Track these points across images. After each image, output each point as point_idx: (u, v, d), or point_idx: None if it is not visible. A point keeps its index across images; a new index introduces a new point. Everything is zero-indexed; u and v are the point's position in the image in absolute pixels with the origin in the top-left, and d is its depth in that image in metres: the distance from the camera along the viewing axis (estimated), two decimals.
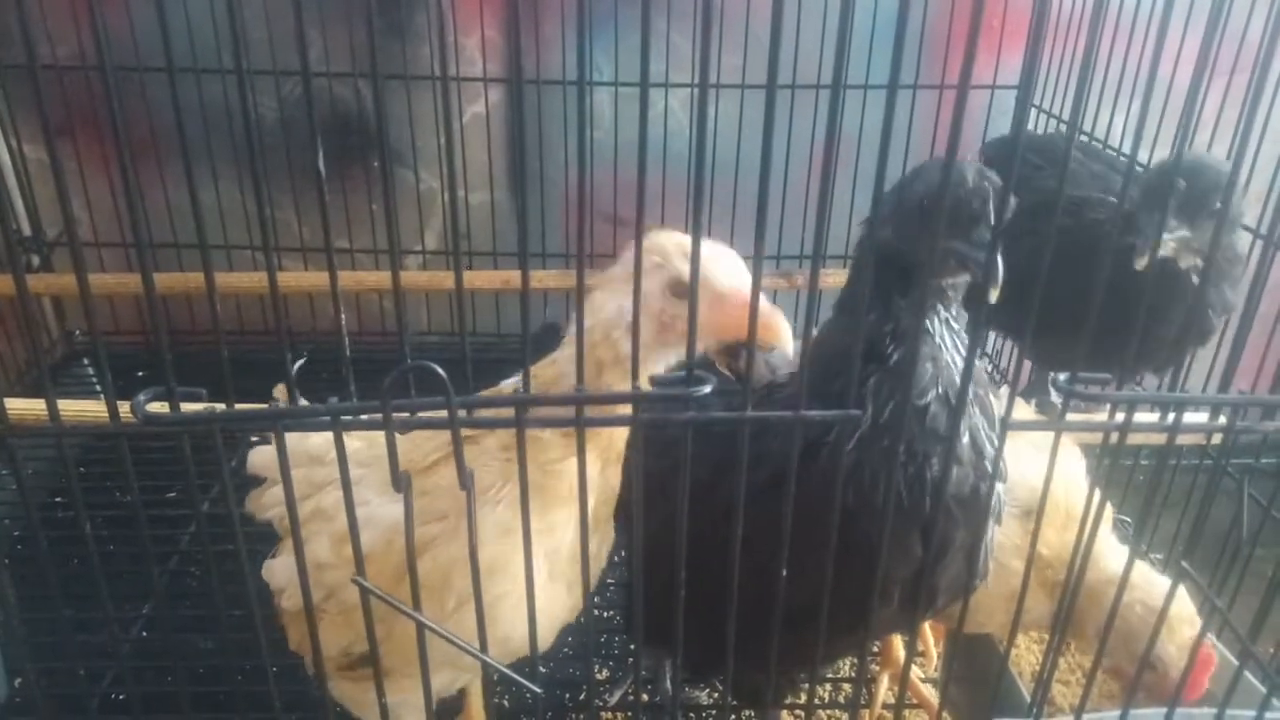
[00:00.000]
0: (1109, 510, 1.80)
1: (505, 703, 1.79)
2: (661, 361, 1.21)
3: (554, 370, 1.24)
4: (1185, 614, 1.57)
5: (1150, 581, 1.60)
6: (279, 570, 1.44)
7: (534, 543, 1.07)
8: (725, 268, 1.15)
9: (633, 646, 2.06)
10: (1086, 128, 2.43)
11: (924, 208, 1.21)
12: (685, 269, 1.14)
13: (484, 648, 1.09)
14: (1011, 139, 2.53)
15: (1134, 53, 2.19)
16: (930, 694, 1.93)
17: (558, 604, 1.33)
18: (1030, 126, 2.66)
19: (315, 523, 1.36)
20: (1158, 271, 1.75)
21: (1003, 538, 1.56)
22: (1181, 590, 1.47)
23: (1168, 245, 1.74)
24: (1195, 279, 1.82)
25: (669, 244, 1.17)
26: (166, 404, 0.95)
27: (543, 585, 1.13)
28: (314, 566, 1.30)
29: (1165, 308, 1.79)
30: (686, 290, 1.14)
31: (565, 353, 1.25)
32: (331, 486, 1.37)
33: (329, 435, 1.44)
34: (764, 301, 1.13)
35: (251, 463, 1.60)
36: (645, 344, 1.17)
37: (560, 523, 1.25)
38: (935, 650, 2.10)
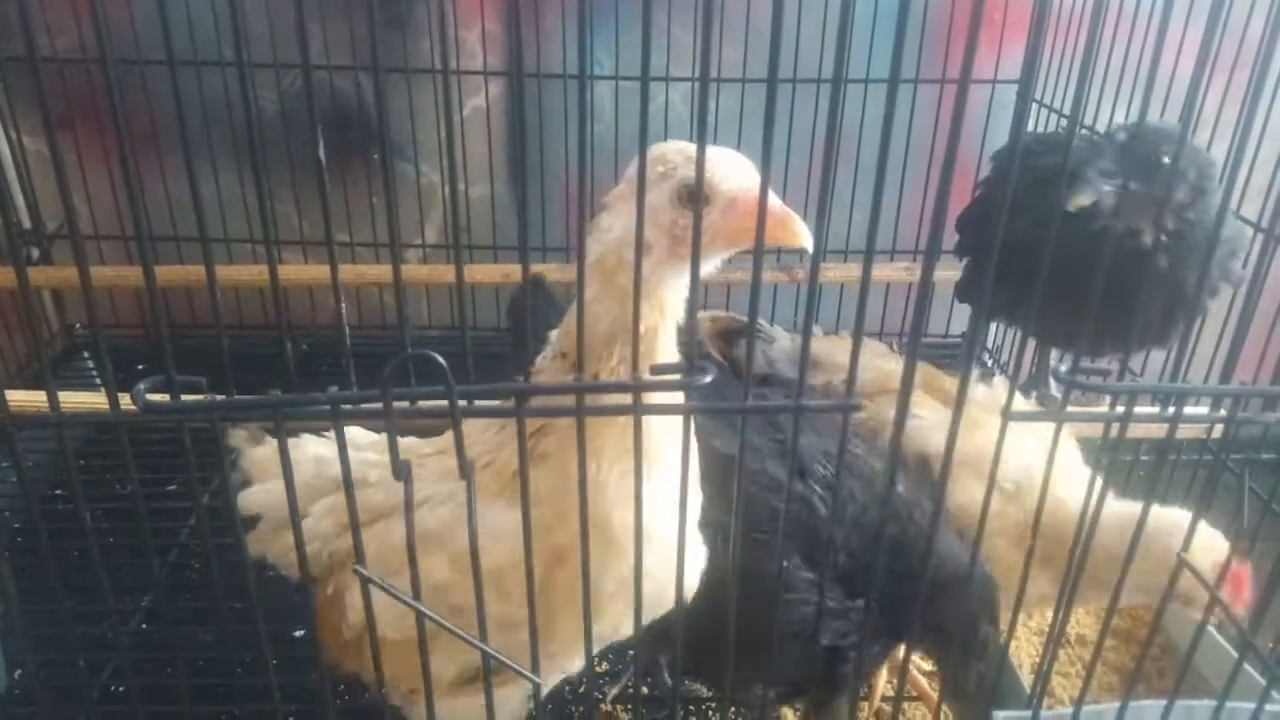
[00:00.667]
0: (1076, 447, 1.79)
1: None
2: (678, 280, 1.16)
3: (587, 319, 1.14)
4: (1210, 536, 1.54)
5: (1162, 515, 1.56)
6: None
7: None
8: (734, 170, 1.10)
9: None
10: (1087, 123, 2.43)
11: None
12: (693, 175, 1.10)
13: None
14: (1013, 134, 2.53)
15: (1135, 47, 2.18)
16: (929, 686, 1.93)
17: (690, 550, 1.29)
18: (1031, 121, 2.65)
19: (423, 545, 1.23)
20: (1128, 247, 1.79)
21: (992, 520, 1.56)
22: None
23: (1103, 192, 1.73)
24: (1164, 262, 1.82)
25: (672, 152, 1.12)
26: (166, 394, 0.95)
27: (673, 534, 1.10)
28: (431, 589, 1.20)
29: (1131, 282, 1.77)
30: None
31: (591, 291, 1.17)
32: (428, 507, 1.29)
33: (369, 459, 1.45)
34: (776, 202, 1.08)
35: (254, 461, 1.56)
36: (659, 261, 1.13)
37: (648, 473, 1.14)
38: None
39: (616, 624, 1.24)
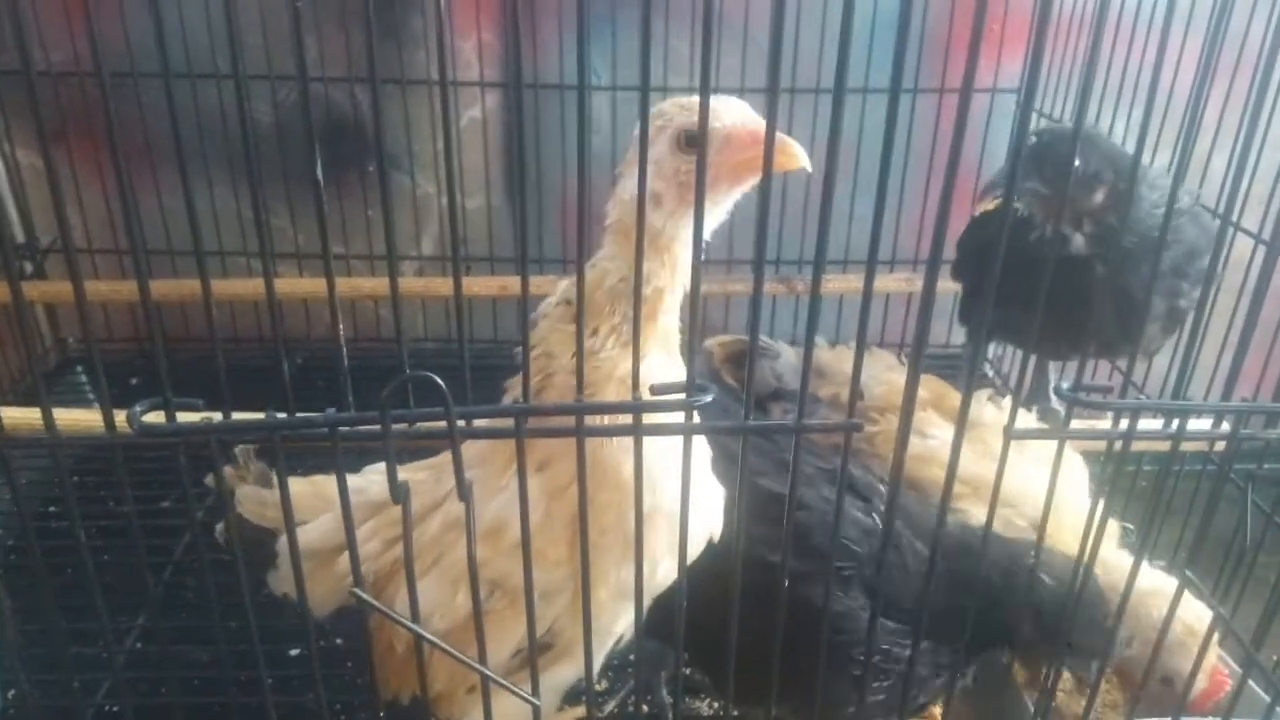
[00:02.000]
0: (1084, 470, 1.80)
1: None
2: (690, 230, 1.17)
3: (596, 274, 1.23)
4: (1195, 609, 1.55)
5: (1189, 601, 1.57)
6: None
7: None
8: (726, 109, 1.14)
9: (632, 657, 2.05)
10: None
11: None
12: (689, 120, 1.14)
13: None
14: (1015, 144, 2.52)
15: (1135, 56, 2.18)
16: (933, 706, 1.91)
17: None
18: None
19: (450, 534, 1.31)
20: (1063, 254, 1.82)
21: None
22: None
23: (1021, 198, 1.78)
24: (1101, 267, 1.82)
25: (667, 106, 1.17)
26: (162, 412, 0.94)
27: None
28: (464, 574, 1.25)
29: (1078, 288, 1.78)
30: (695, 140, 1.12)
31: (606, 250, 1.25)
32: (448, 503, 1.34)
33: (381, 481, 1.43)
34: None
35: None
36: (671, 212, 1.17)
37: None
38: None
39: (654, 563, 1.25)
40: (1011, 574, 1.42)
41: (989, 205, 1.78)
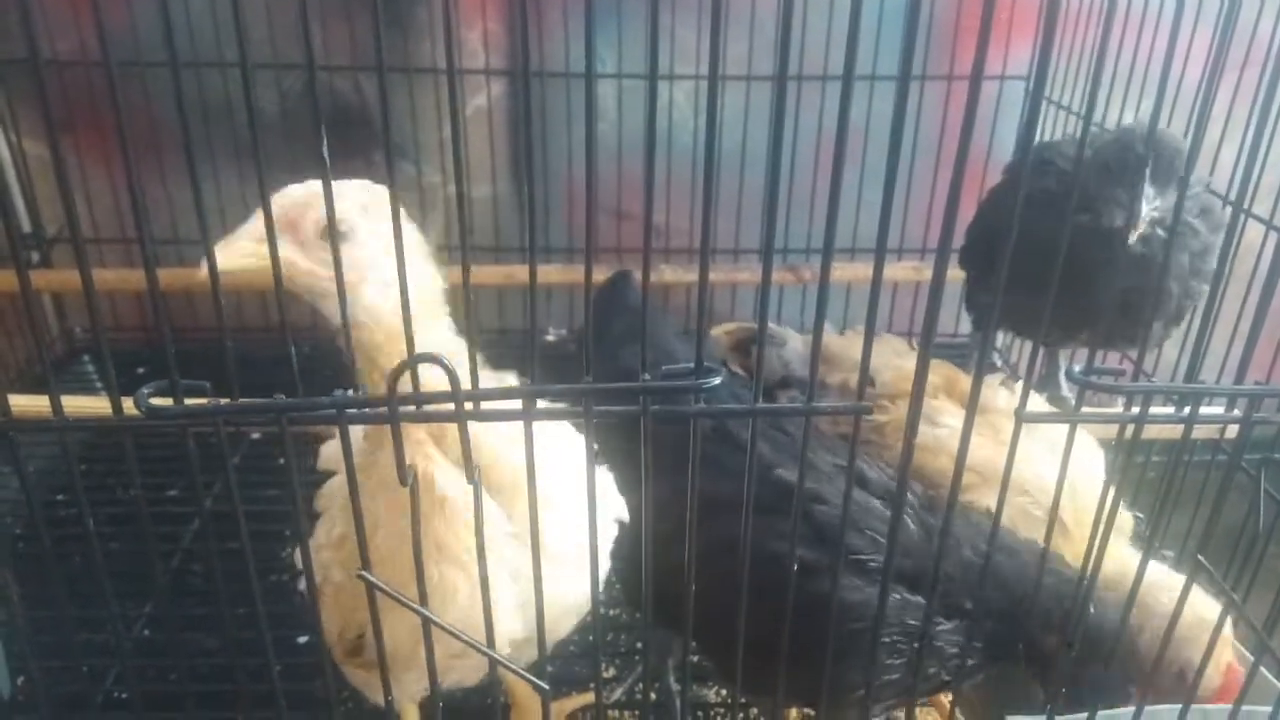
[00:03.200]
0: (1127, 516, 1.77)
1: (508, 702, 1.78)
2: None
3: None
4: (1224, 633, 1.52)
5: (1197, 593, 1.56)
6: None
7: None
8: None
9: (639, 644, 2.05)
10: (1097, 121, 2.41)
11: None
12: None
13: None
14: (1026, 131, 2.50)
15: (1144, 44, 2.17)
16: (941, 695, 1.91)
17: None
18: (1040, 119, 2.63)
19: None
20: (1139, 250, 1.71)
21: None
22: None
23: (1151, 217, 1.67)
24: (1138, 247, 1.72)
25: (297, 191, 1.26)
26: (170, 398, 0.94)
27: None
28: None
29: (1135, 278, 1.72)
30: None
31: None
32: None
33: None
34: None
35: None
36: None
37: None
38: None
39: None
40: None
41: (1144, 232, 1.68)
